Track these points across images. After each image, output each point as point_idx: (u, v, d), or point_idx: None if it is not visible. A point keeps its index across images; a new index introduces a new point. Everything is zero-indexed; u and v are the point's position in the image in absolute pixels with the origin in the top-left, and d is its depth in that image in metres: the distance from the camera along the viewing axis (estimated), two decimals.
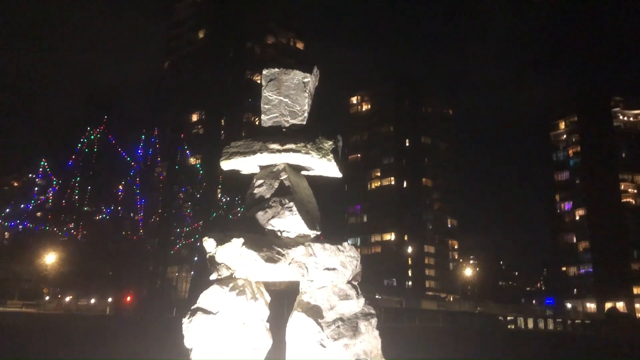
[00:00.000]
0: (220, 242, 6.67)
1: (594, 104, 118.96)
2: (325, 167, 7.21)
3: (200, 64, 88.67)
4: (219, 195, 56.69)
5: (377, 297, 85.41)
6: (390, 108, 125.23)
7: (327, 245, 6.92)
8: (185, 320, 6.62)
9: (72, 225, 52.84)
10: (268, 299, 7.01)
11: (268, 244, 6.62)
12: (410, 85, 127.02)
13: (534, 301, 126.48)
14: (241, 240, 6.54)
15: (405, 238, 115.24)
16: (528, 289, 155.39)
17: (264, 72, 7.59)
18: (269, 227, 6.89)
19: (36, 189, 54.76)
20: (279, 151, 7.02)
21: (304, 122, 7.33)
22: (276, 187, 7.02)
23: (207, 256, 6.87)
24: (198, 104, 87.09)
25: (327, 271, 6.87)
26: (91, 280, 60.17)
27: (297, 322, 6.66)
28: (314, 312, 6.71)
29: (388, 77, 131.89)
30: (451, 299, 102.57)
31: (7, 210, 54.17)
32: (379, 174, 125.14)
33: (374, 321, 6.94)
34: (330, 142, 7.08)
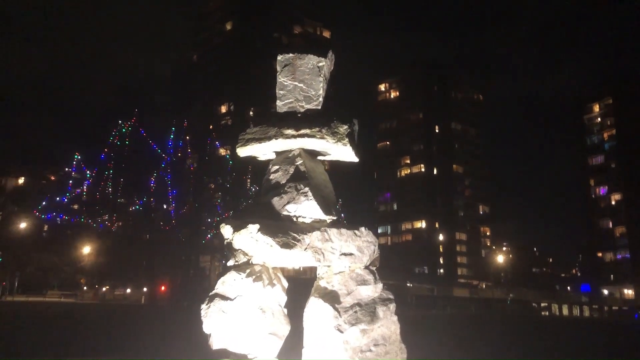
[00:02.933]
0: (237, 228, 6.67)
1: (630, 86, 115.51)
2: (341, 151, 7.15)
3: (228, 55, 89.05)
4: (249, 185, 57.14)
5: (408, 284, 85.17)
6: (419, 94, 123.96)
7: (344, 230, 6.87)
8: (203, 307, 6.67)
9: (106, 217, 54.09)
10: (285, 284, 7.01)
11: (284, 229, 6.60)
12: (439, 70, 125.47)
13: (568, 288, 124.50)
14: (257, 226, 6.53)
15: (436, 225, 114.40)
16: (563, 275, 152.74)
17: (279, 57, 7.55)
18: (285, 213, 6.87)
19: (70, 182, 56.03)
20: (293, 136, 6.99)
21: (319, 107, 7.28)
22: (292, 172, 6.99)
23: (225, 242, 6.90)
24: (227, 95, 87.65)
25: (344, 256, 6.82)
26: (126, 271, 61.55)
27: (314, 308, 6.65)
28: (331, 298, 6.68)
29: (416, 63, 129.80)
30: (483, 286, 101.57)
31: (44, 203, 55.61)
32: (408, 161, 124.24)
33: (392, 306, 6.87)
34: (346, 127, 7.01)
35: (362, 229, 7.03)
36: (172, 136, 53.40)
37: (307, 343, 6.61)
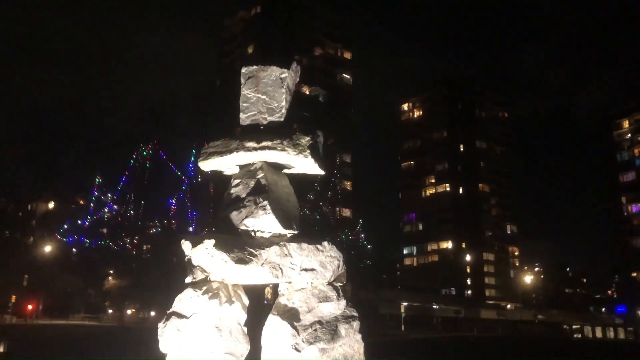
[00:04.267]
0: (194, 244, 6.50)
1: None
2: (303, 164, 6.97)
3: None
4: None
5: (434, 306, 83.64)
6: (442, 113, 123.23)
7: (305, 245, 6.63)
8: (160, 325, 6.48)
9: (127, 240, 54.62)
10: (246, 302, 6.77)
11: (240, 244, 6.39)
12: (463, 88, 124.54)
13: (603, 309, 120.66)
14: (212, 241, 6.34)
15: (463, 246, 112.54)
16: (597, 296, 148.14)
17: (243, 70, 7.44)
18: (243, 227, 6.67)
19: (92, 205, 56.92)
20: (255, 149, 6.82)
21: (282, 119, 7.12)
22: (252, 186, 6.81)
23: (185, 259, 6.72)
24: None
25: (305, 272, 6.57)
26: (149, 293, 61.83)
27: (272, 326, 6.40)
28: (291, 315, 6.42)
29: (440, 81, 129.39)
30: (513, 307, 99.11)
31: (65, 226, 56.48)
32: (433, 181, 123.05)
33: (355, 324, 6.58)
34: (307, 138, 6.84)
35: (325, 243, 6.79)
36: (192, 158, 53.95)
37: None
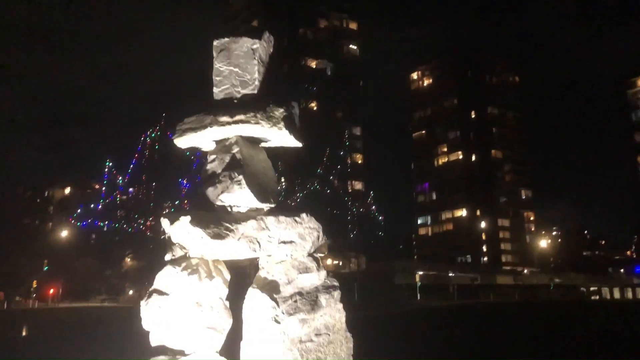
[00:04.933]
0: (172, 221, 6.49)
1: None
2: (279, 136, 6.88)
3: None
4: (282, 184, 57.32)
5: (450, 274, 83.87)
6: (452, 80, 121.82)
7: (282, 218, 6.59)
8: (142, 303, 6.53)
9: (141, 222, 55.23)
10: (227, 277, 6.78)
11: (216, 220, 6.36)
12: (472, 55, 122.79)
13: (622, 270, 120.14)
14: (188, 217, 6.31)
15: (478, 213, 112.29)
16: (617, 257, 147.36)
17: (215, 42, 7.32)
18: (219, 203, 6.64)
19: (103, 189, 57.51)
20: (229, 123, 6.72)
21: (255, 92, 7.01)
22: (227, 161, 6.73)
23: (165, 237, 6.74)
24: None
25: (284, 244, 6.55)
26: None
27: (252, 299, 6.40)
28: (271, 288, 6.42)
29: (448, 48, 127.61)
30: (529, 272, 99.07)
31: (79, 211, 57.26)
32: (445, 150, 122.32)
33: (336, 294, 6.57)
34: (281, 110, 6.74)
35: (304, 215, 6.75)
36: None
37: (246, 336, 6.37)
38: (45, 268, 61.98)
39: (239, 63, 7.08)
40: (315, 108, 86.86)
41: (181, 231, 6.41)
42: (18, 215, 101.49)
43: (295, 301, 6.35)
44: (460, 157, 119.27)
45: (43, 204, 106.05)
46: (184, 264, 6.47)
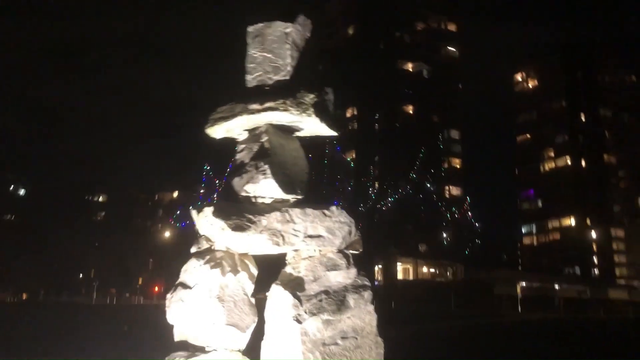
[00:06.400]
0: (198, 212, 6.28)
1: None
2: (310, 124, 6.45)
3: (352, 60, 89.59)
4: (370, 190, 56.74)
5: (555, 286, 78.97)
6: (560, 81, 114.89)
7: (309, 210, 6.15)
8: (168, 296, 6.36)
9: None
10: (255, 272, 6.45)
11: (239, 211, 6.04)
12: (582, 53, 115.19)
13: None
14: (211, 208, 6.07)
15: (588, 222, 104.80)
16: None
17: (249, 29, 6.99)
18: (243, 194, 6.32)
19: (201, 191, 60.03)
20: (258, 111, 6.38)
21: (288, 77, 6.63)
22: (255, 150, 6.41)
23: (195, 229, 6.55)
24: (352, 100, 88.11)
25: (310, 239, 6.10)
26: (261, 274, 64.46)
27: (275, 297, 6.01)
28: (295, 285, 5.99)
29: (556, 47, 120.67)
30: None
31: (178, 212, 60.13)
32: (552, 154, 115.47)
33: (367, 294, 6.01)
34: (312, 96, 6.30)
35: (333, 208, 6.26)
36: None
37: (267, 335, 5.99)
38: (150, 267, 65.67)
39: (272, 48, 6.74)
40: (411, 112, 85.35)
41: (205, 223, 6.17)
42: (131, 216, 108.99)
43: (321, 300, 5.88)
44: (569, 162, 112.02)
45: (153, 207, 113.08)
46: (207, 257, 6.22)
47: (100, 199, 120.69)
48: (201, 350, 6.01)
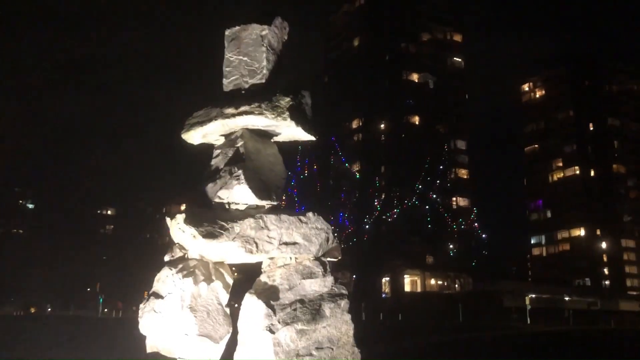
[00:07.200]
0: (171, 219, 6.11)
1: None
2: (287, 128, 6.27)
3: (357, 71, 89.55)
4: (376, 201, 56.38)
5: (565, 298, 78.00)
6: (567, 91, 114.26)
7: (284, 217, 5.96)
8: (141, 306, 6.17)
9: None
10: (230, 281, 6.24)
11: (211, 218, 5.85)
12: (589, 63, 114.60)
13: None
14: (182, 215, 5.89)
15: (598, 233, 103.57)
16: None
17: (226, 32, 6.84)
18: (217, 200, 6.13)
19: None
20: (233, 115, 6.22)
21: (264, 81, 6.46)
22: (230, 155, 6.24)
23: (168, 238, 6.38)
24: (357, 111, 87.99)
25: (286, 246, 5.90)
26: None
27: (248, 306, 5.80)
28: (269, 294, 5.79)
29: (562, 57, 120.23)
30: None
31: None
32: (560, 164, 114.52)
33: (343, 303, 5.80)
34: (288, 99, 6.13)
35: (309, 214, 6.07)
36: (298, 155, 54.62)
37: (240, 346, 5.78)
38: None
39: (248, 51, 6.59)
40: (417, 122, 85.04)
41: (177, 230, 5.99)
42: (139, 229, 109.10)
43: (295, 309, 5.67)
44: (577, 172, 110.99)
45: (161, 219, 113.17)
46: (180, 266, 6.04)
47: (109, 212, 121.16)
48: None
